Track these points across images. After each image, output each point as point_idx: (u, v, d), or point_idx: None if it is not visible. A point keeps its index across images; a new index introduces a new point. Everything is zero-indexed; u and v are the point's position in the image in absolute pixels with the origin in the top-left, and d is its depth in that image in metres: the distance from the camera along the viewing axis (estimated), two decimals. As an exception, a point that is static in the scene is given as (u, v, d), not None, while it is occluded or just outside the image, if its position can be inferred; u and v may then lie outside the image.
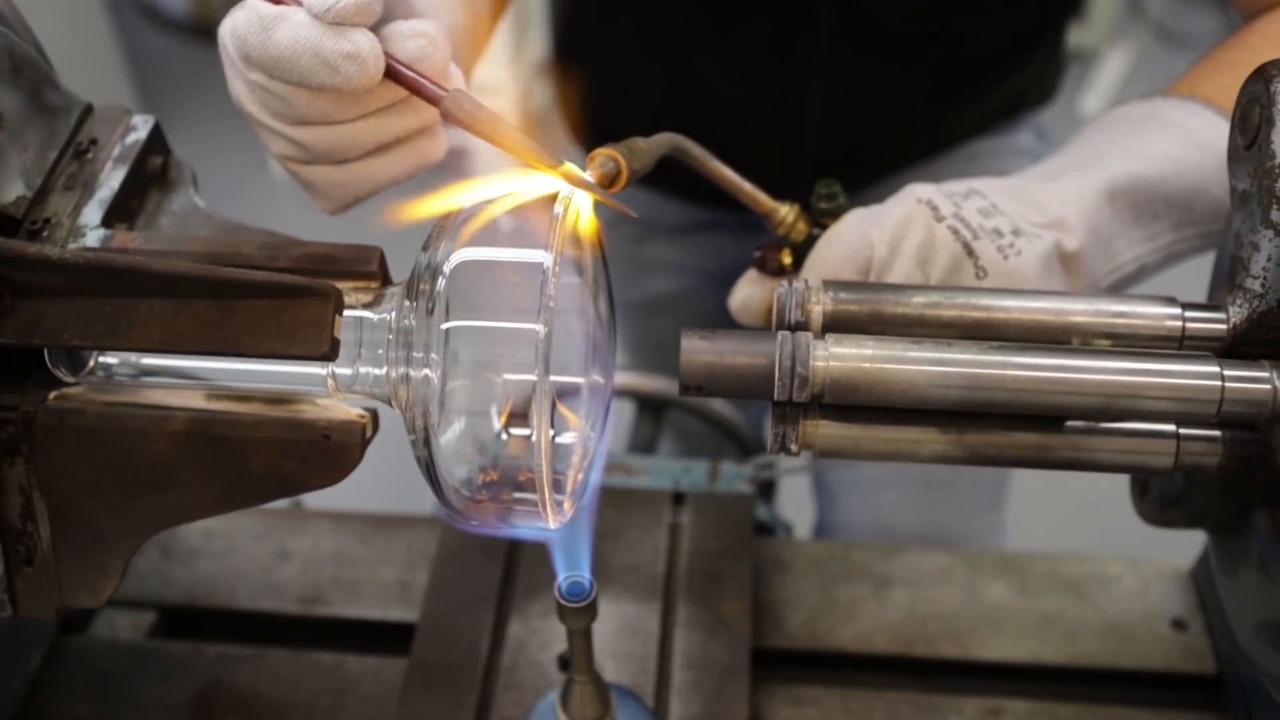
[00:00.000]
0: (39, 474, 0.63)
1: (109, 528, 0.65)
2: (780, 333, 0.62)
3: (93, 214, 0.70)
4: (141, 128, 0.75)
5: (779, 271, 0.79)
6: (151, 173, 0.75)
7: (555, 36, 1.33)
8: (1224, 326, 0.65)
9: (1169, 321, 0.66)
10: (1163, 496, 0.73)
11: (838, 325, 0.66)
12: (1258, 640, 0.70)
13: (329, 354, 0.58)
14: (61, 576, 0.66)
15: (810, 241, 0.77)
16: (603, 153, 0.66)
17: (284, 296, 0.57)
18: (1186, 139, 0.79)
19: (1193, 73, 0.86)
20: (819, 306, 0.66)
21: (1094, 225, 0.76)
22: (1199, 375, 0.61)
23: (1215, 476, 0.66)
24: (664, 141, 0.72)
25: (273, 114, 0.69)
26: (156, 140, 0.76)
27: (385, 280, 0.68)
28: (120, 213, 0.72)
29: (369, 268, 0.67)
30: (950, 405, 0.62)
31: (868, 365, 0.61)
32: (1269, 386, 0.61)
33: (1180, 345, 0.66)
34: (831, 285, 0.68)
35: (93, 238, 0.68)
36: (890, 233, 0.74)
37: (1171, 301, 0.67)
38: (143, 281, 0.58)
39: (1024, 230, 0.74)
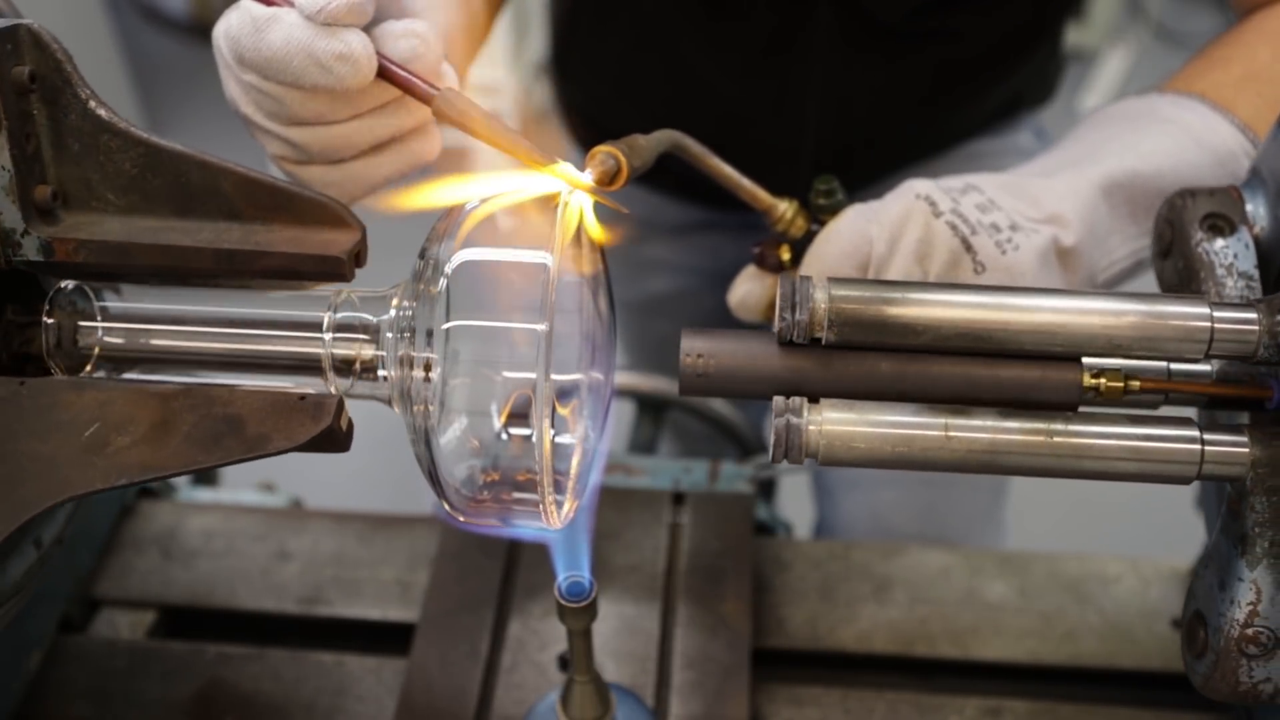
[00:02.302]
0: None
1: None
2: (776, 412, 0.61)
3: (10, 211, 0.62)
4: None
5: (778, 268, 0.79)
6: (20, 88, 0.61)
7: (554, 36, 1.33)
8: (1255, 329, 0.61)
9: (1198, 323, 0.62)
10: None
11: (844, 342, 0.64)
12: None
13: (345, 449, 0.60)
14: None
15: (809, 238, 0.77)
16: (603, 150, 0.66)
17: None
18: (1183, 135, 0.79)
19: (1189, 69, 0.86)
20: (824, 333, 0.63)
21: (1090, 221, 0.76)
22: (1178, 440, 0.61)
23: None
24: (663, 139, 0.72)
25: (267, 115, 0.69)
26: (4, 45, 0.60)
27: (359, 261, 0.65)
28: (29, 176, 0.62)
29: (338, 281, 0.65)
30: (940, 468, 0.63)
31: (856, 429, 0.61)
32: (1245, 451, 0.61)
33: (1208, 351, 0.62)
34: (836, 289, 0.63)
35: (30, 247, 0.63)
36: (889, 228, 0.74)
37: (1199, 300, 0.63)
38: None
39: (1021, 225, 0.73)
